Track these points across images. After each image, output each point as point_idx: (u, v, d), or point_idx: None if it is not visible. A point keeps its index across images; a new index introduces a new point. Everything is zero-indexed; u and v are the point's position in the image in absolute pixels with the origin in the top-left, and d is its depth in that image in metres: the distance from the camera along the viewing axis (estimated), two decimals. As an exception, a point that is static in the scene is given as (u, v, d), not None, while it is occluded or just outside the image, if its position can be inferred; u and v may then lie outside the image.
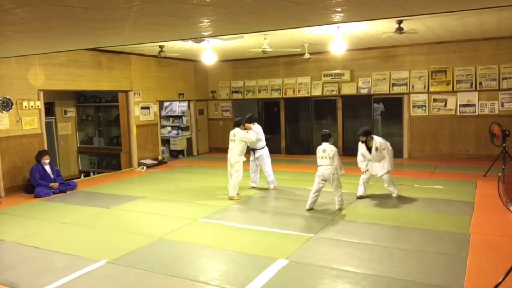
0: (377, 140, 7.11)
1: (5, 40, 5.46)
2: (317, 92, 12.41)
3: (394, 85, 11.45)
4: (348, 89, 12.00)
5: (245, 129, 7.86)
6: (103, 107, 12.40)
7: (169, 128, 13.83)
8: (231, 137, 7.76)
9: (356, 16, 5.20)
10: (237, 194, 7.52)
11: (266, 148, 8.17)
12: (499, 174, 6.11)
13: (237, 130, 7.71)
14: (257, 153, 8.09)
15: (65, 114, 11.90)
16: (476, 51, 10.51)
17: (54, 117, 11.55)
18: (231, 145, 7.72)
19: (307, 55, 10.31)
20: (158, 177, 9.99)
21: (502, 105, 10.37)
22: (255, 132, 7.91)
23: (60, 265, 4.81)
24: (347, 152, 12.21)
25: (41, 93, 9.10)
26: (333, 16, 4.57)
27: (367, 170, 7.20)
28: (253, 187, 8.22)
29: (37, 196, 8.10)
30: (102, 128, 12.61)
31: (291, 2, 3.71)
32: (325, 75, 12.05)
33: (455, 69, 10.76)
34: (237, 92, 13.68)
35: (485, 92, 10.50)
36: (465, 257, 4.56)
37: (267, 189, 8.12)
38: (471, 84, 10.60)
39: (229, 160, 7.71)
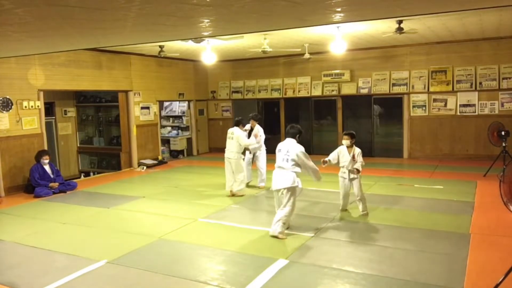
0: (357, 150, 6.20)
1: (5, 40, 5.46)
2: (317, 92, 12.41)
3: (394, 85, 11.45)
4: (348, 89, 12.00)
5: (245, 129, 8.00)
6: (103, 107, 12.40)
7: (169, 128, 13.84)
8: (229, 134, 7.82)
9: (356, 16, 5.20)
10: (242, 190, 7.74)
11: (264, 147, 8.43)
12: (500, 174, 6.08)
13: (235, 129, 7.76)
14: (257, 152, 8.32)
15: (65, 114, 11.90)
16: (476, 51, 10.51)
17: (54, 117, 11.56)
18: (229, 144, 7.78)
19: (307, 55, 10.31)
20: (158, 177, 9.99)
21: (502, 105, 10.37)
22: (260, 136, 8.19)
23: (60, 265, 4.80)
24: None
25: (41, 93, 9.10)
26: (333, 16, 4.57)
27: (327, 161, 6.12)
28: (247, 184, 8.28)
29: (37, 196, 8.10)
30: (102, 128, 12.61)
31: (291, 2, 3.71)
32: (325, 75, 12.05)
33: (455, 69, 10.76)
34: (237, 92, 13.68)
35: (485, 92, 10.50)
36: (465, 257, 4.56)
37: (264, 189, 8.13)
38: (471, 84, 10.60)
39: (227, 159, 7.75)
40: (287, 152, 5.39)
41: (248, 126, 8.16)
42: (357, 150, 6.13)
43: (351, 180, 6.17)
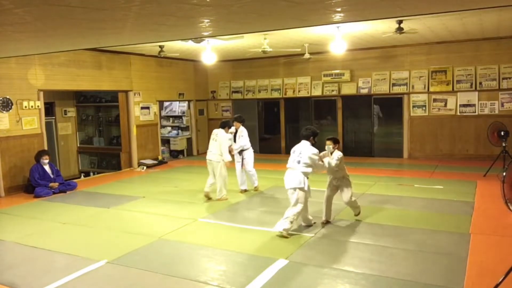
0: (337, 153, 5.87)
1: (5, 40, 5.46)
2: (317, 92, 12.41)
3: (394, 85, 11.45)
4: (348, 89, 12.00)
5: (231, 132, 7.71)
6: (103, 107, 12.41)
7: (169, 128, 13.84)
8: (213, 135, 7.53)
9: (356, 16, 5.20)
10: (225, 195, 7.39)
11: (251, 148, 8.06)
12: (502, 174, 6.04)
13: (220, 132, 7.45)
14: (245, 154, 7.96)
15: (65, 114, 11.91)
16: (476, 51, 10.51)
17: (54, 117, 11.56)
18: (211, 145, 7.48)
19: (307, 55, 10.31)
20: (158, 177, 9.99)
21: (502, 105, 10.37)
22: (245, 137, 7.87)
23: (60, 265, 4.81)
24: (347, 152, 12.23)
25: (41, 93, 9.10)
26: (333, 16, 4.57)
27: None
28: (244, 190, 7.95)
29: (37, 196, 8.10)
30: (102, 128, 12.61)
31: (291, 2, 3.71)
32: (325, 75, 12.05)
33: (455, 69, 10.76)
34: (237, 92, 13.68)
35: (485, 92, 10.50)
36: (465, 257, 4.56)
37: (261, 191, 8.07)
38: (471, 84, 10.60)
39: (209, 161, 7.48)
40: (299, 154, 5.54)
41: (233, 129, 7.89)
42: (336, 154, 5.78)
43: (338, 186, 5.95)
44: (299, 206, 5.46)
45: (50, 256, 5.09)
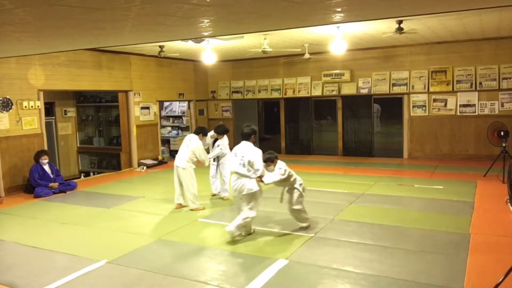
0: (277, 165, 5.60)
1: (5, 40, 5.46)
2: (317, 92, 12.41)
3: (394, 85, 11.46)
4: (348, 89, 12.00)
5: (211, 136, 7.35)
6: (103, 107, 12.40)
7: (169, 128, 13.85)
8: (185, 141, 6.93)
9: (356, 16, 5.20)
10: (200, 204, 6.87)
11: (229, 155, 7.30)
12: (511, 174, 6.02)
13: (194, 138, 6.90)
14: (220, 159, 7.55)
15: (65, 114, 11.91)
16: (476, 51, 10.51)
17: (54, 117, 11.55)
18: (181, 150, 6.91)
19: (307, 55, 10.32)
20: (158, 177, 9.99)
21: (502, 105, 10.37)
22: (222, 146, 7.41)
23: (60, 265, 4.80)
24: (347, 152, 12.25)
25: (41, 93, 9.10)
26: (333, 16, 4.57)
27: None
28: (215, 194, 7.69)
29: (37, 196, 8.10)
30: (102, 128, 12.61)
31: (291, 2, 3.71)
32: (325, 75, 12.05)
33: (455, 69, 10.76)
34: (237, 92, 13.69)
35: (485, 92, 10.50)
36: (465, 257, 4.56)
37: (228, 199, 7.66)
38: (471, 84, 10.60)
39: (176, 167, 6.88)
40: (242, 157, 5.26)
41: (213, 134, 7.50)
42: (277, 168, 5.53)
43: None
44: (254, 211, 5.32)
45: (50, 256, 5.09)
